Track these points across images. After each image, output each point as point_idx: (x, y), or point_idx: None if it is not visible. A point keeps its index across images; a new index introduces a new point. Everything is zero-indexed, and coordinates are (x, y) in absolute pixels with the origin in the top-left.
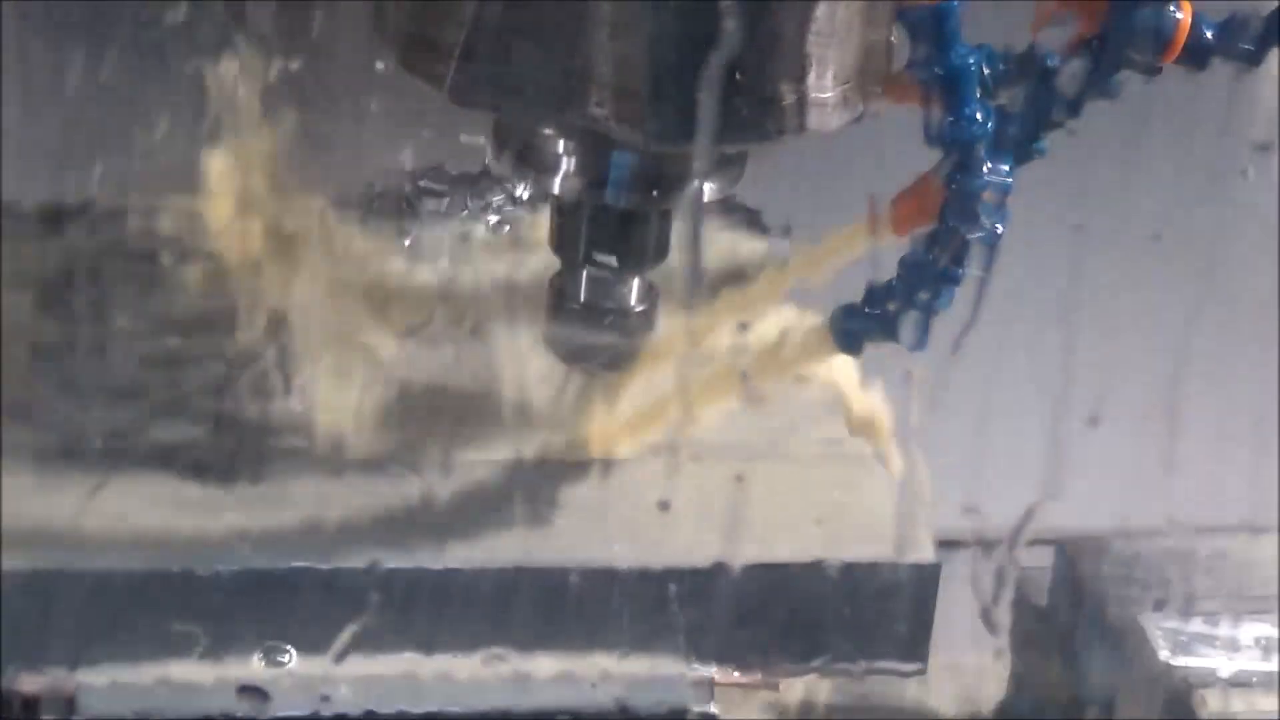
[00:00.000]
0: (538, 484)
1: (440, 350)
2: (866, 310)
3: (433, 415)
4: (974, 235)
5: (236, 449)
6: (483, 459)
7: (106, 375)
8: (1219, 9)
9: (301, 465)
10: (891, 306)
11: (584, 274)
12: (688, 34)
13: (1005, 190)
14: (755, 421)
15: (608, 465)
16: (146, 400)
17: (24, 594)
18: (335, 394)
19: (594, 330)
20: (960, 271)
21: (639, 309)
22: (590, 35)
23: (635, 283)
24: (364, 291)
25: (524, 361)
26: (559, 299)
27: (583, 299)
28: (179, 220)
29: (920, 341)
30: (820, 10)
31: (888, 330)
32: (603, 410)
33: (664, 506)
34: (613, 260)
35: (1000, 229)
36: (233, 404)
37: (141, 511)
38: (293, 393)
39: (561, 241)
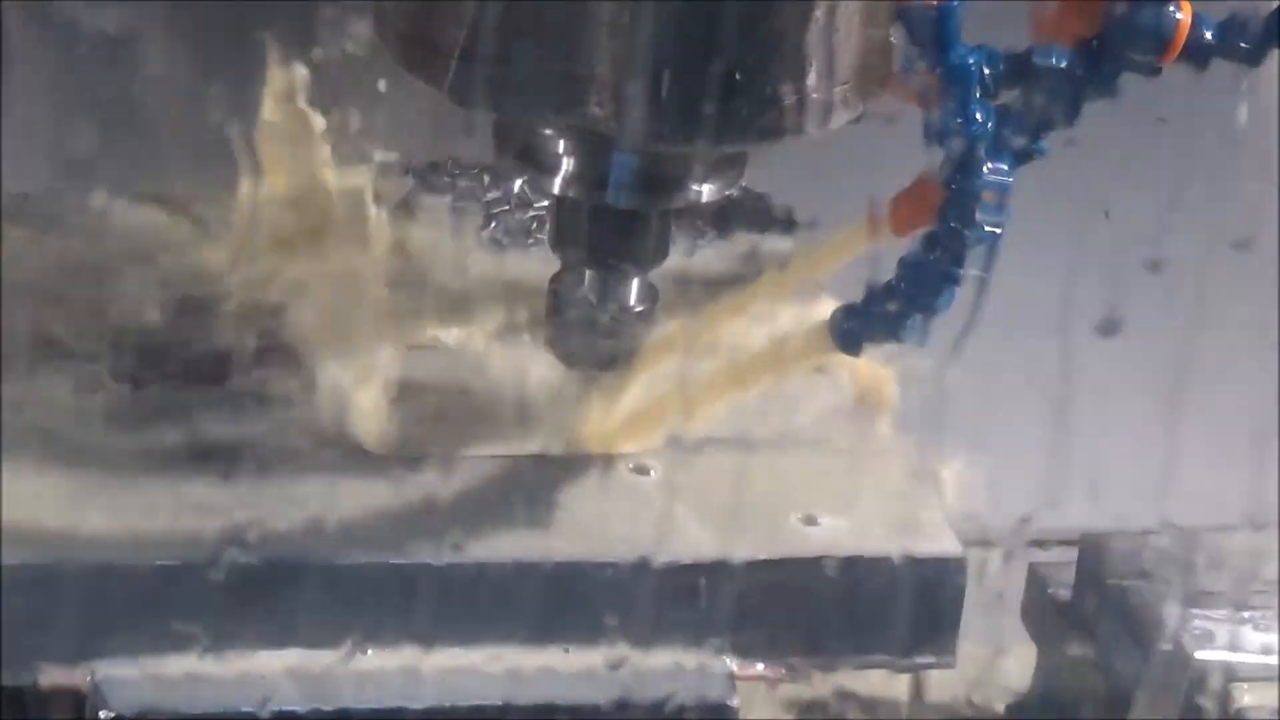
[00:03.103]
0: (548, 479)
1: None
2: (866, 310)
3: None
4: (974, 235)
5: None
6: (488, 453)
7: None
8: (1219, 9)
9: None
10: (891, 306)
11: (584, 274)
12: (688, 34)
13: (1005, 190)
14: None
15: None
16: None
17: (42, 588)
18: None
19: (593, 330)
20: (960, 271)
21: (639, 309)
22: (590, 35)
23: (635, 283)
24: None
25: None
26: (558, 299)
27: (582, 299)
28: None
29: (921, 342)
30: (820, 10)
31: (888, 330)
32: (603, 410)
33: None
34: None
35: (1000, 229)
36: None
37: (157, 508)
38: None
39: (561, 241)
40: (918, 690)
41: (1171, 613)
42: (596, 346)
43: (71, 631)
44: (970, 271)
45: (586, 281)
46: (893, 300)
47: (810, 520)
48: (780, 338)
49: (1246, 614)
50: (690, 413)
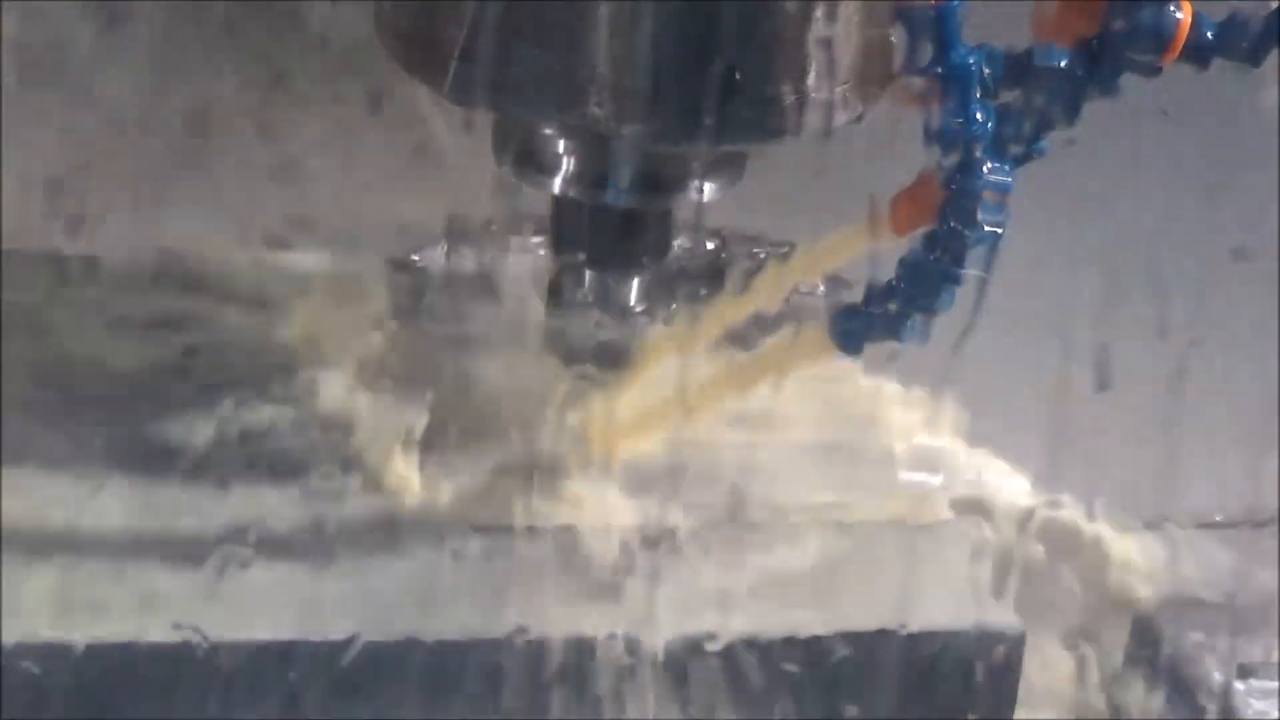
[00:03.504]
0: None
1: None
2: (866, 310)
3: None
4: (974, 235)
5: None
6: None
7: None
8: (1219, 9)
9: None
10: (892, 306)
11: (583, 274)
12: (688, 34)
13: (1005, 190)
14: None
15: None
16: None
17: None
18: None
19: (593, 330)
20: (961, 271)
21: (639, 309)
22: (590, 35)
23: (635, 283)
24: None
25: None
26: (558, 298)
27: (582, 298)
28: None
29: (921, 342)
30: (820, 10)
31: (888, 330)
32: (603, 411)
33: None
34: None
35: (1001, 229)
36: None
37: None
38: None
39: (561, 241)
40: None
41: (1224, 683)
42: (596, 346)
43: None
44: (970, 271)
45: (586, 281)
46: (893, 300)
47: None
48: (780, 338)
49: None
50: (690, 413)
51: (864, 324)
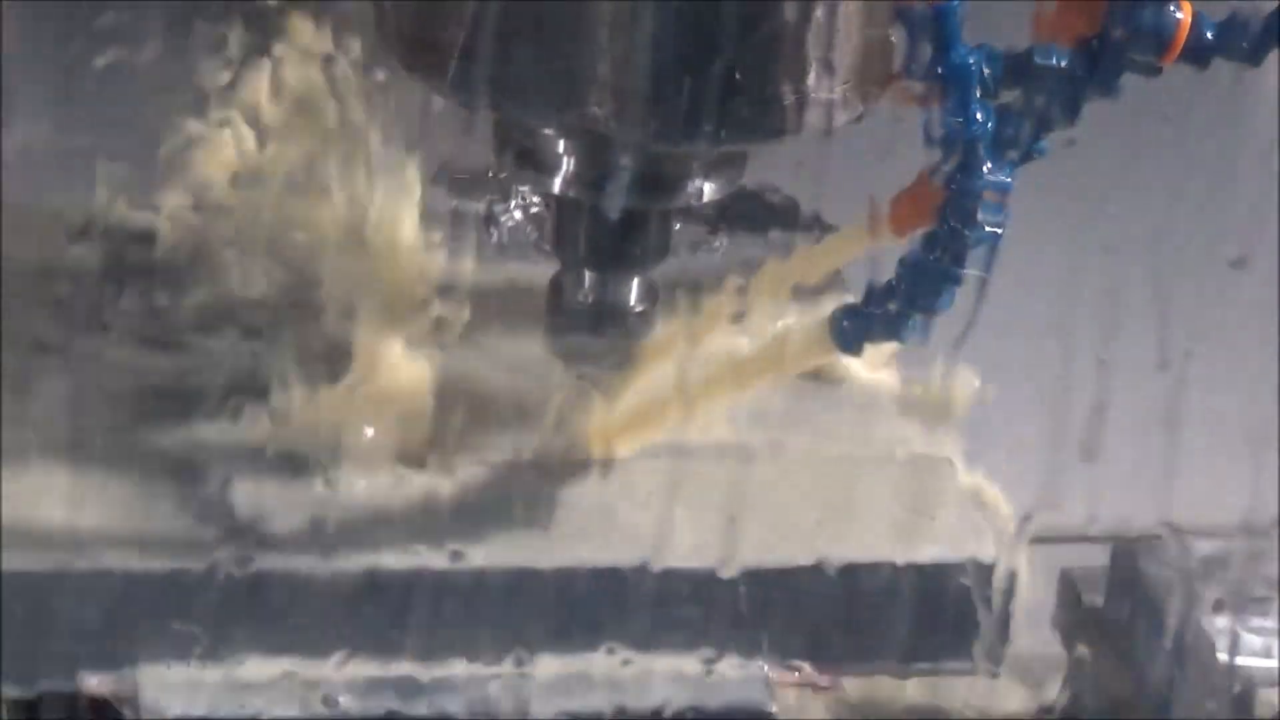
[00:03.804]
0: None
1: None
2: (867, 310)
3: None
4: (974, 235)
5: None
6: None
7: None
8: (1219, 9)
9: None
10: (892, 306)
11: (584, 274)
12: (688, 34)
13: (1005, 190)
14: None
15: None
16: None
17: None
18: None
19: (593, 330)
20: (961, 271)
21: (639, 309)
22: (590, 35)
23: (635, 283)
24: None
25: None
26: (558, 298)
27: (582, 299)
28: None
29: (921, 341)
30: (820, 10)
31: (888, 330)
32: (603, 410)
33: None
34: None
35: (1001, 229)
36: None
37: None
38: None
39: (561, 241)
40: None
41: (1210, 619)
42: (596, 346)
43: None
44: (970, 271)
45: (586, 281)
46: (893, 300)
47: (857, 526)
48: (780, 337)
49: None
50: (690, 413)
51: (864, 324)
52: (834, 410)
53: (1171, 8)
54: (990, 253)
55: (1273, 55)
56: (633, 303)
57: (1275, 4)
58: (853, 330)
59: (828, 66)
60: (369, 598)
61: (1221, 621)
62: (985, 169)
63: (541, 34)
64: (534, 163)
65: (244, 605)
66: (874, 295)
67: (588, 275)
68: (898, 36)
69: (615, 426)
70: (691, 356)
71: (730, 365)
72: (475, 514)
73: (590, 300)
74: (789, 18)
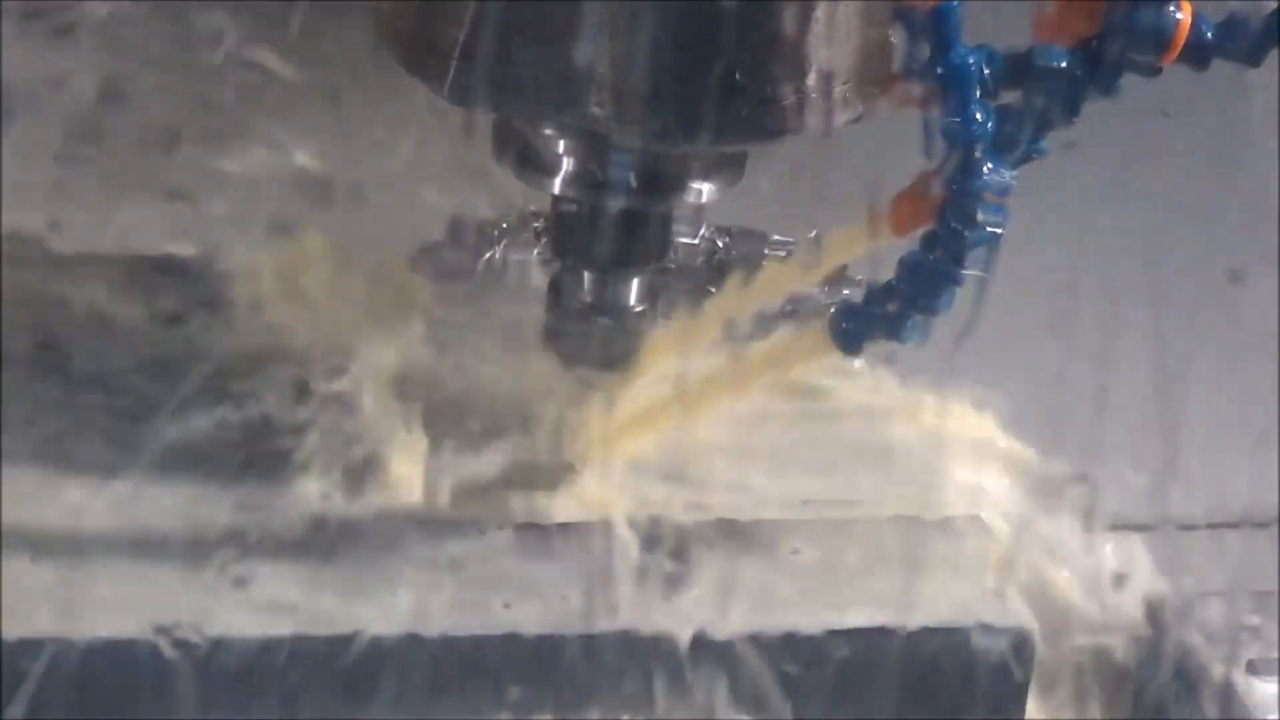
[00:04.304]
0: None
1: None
2: (866, 310)
3: None
4: (974, 236)
5: None
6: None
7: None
8: (1219, 9)
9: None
10: (891, 307)
11: (584, 274)
12: (688, 34)
13: (1005, 190)
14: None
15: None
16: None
17: None
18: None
19: (593, 330)
20: (961, 272)
21: (639, 309)
22: (590, 35)
23: (635, 283)
24: None
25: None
26: (558, 298)
27: (582, 299)
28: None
29: (921, 342)
30: (820, 10)
31: (888, 330)
32: (603, 411)
33: None
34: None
35: (1001, 229)
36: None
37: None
38: None
39: (561, 241)
40: None
41: (1238, 677)
42: (596, 347)
43: None
44: (970, 271)
45: (586, 282)
46: (893, 300)
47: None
48: (780, 338)
49: None
50: (690, 413)
51: (864, 324)
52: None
53: (1171, 8)
54: (990, 253)
55: (1273, 55)
56: (633, 303)
57: (1275, 4)
58: (852, 330)
59: (828, 66)
60: None
61: (1257, 682)
62: (985, 169)
63: (541, 34)
64: (534, 163)
65: None
66: (874, 295)
67: (588, 275)
68: (898, 36)
69: (615, 427)
70: (691, 357)
71: (730, 365)
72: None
73: (590, 300)
74: (789, 18)
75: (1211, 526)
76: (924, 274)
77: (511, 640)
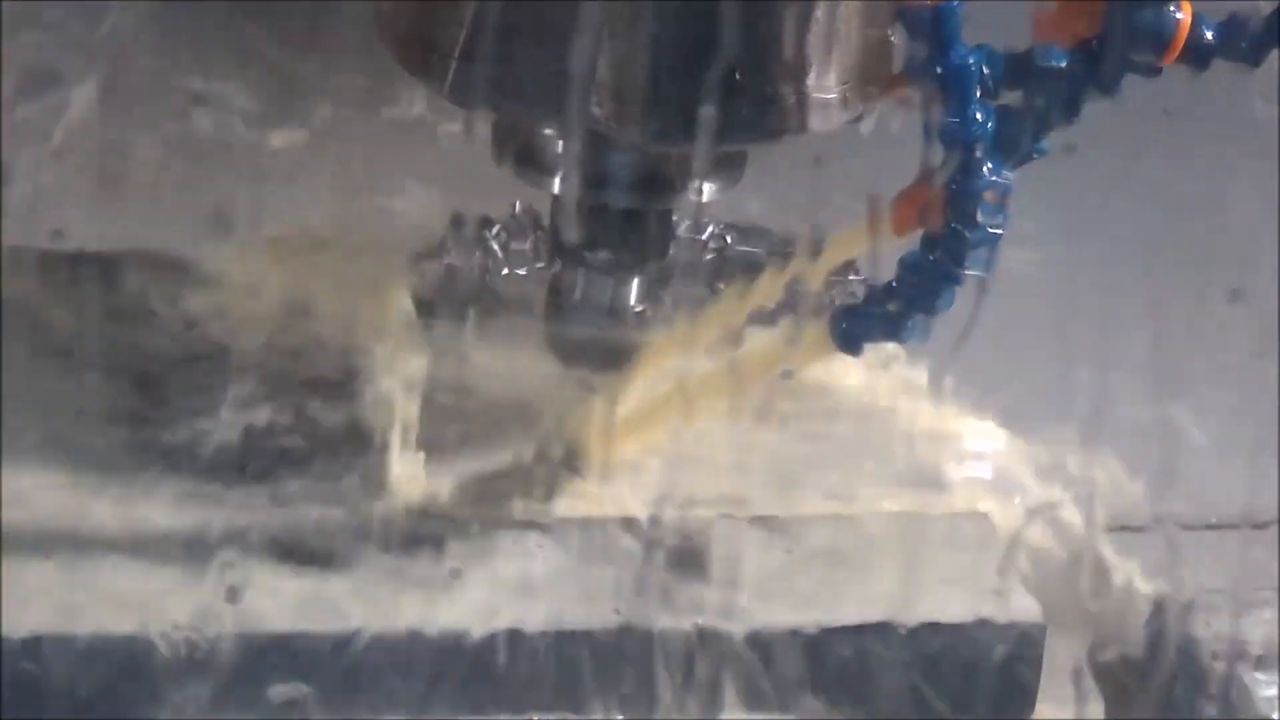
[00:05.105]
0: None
1: None
2: (866, 310)
3: None
4: (975, 236)
5: None
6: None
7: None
8: (1219, 9)
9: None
10: (891, 307)
11: (583, 273)
12: (687, 34)
13: (1006, 191)
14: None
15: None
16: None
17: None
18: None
19: (593, 330)
20: (961, 271)
21: (638, 309)
22: (590, 36)
23: (635, 282)
24: None
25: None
26: (558, 298)
27: (581, 298)
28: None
29: (922, 342)
30: (820, 10)
31: (888, 330)
32: (603, 411)
33: None
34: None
35: (1001, 230)
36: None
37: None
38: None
39: (561, 241)
40: None
41: (1249, 673)
42: (596, 347)
43: None
44: (970, 271)
45: (586, 281)
46: (893, 300)
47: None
48: (779, 338)
49: None
50: (690, 413)
51: (864, 324)
52: None
53: (1171, 8)
54: (991, 253)
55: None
56: (633, 303)
57: (1275, 4)
58: (852, 330)
59: (828, 66)
60: None
61: (1264, 678)
62: (985, 169)
63: (541, 34)
64: (534, 163)
65: None
66: (874, 295)
67: (587, 274)
68: (898, 36)
69: (615, 427)
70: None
71: (730, 365)
72: None
73: (590, 300)
74: (789, 18)
75: (1211, 527)
76: (924, 274)
77: (514, 638)
